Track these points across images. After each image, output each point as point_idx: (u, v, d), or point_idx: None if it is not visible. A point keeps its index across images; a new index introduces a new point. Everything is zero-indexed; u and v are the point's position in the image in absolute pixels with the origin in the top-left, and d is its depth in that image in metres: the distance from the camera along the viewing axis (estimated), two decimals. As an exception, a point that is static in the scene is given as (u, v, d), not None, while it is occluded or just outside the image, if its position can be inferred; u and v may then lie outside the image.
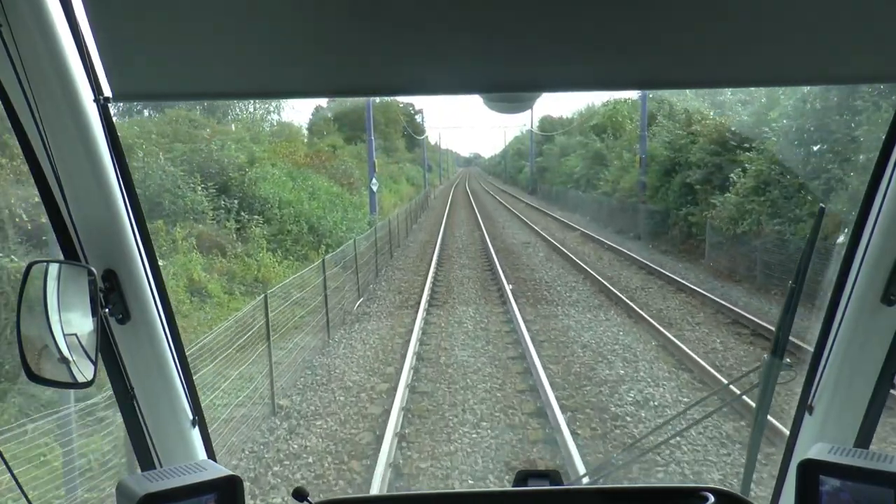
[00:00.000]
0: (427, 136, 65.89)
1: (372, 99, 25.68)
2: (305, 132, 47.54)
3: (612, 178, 31.98)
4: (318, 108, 51.30)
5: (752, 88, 17.62)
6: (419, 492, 2.81)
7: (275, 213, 19.46)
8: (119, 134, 1.38)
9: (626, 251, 20.16)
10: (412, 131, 59.29)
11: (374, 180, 25.75)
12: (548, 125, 62.06)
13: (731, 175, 18.19)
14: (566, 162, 46.60)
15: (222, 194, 18.42)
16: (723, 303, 12.70)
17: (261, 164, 26.20)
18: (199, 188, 17.67)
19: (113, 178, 1.36)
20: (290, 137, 42.67)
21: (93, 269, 1.32)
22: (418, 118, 64.25)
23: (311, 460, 6.90)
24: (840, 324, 1.52)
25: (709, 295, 13.44)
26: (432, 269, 17.84)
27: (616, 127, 33.77)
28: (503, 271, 16.86)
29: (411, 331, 11.73)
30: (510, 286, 15.07)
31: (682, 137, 22.58)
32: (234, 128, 28.12)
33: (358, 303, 14.68)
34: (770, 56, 1.20)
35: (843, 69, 1.25)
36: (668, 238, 23.09)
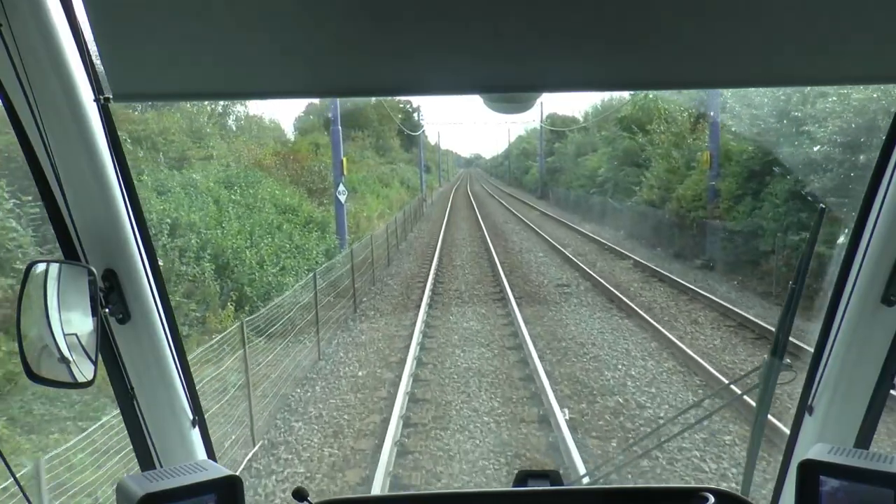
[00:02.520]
0: (424, 132, 57.85)
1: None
2: (284, 128, 40.74)
3: (656, 182, 24.14)
4: (310, 104, 44.52)
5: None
6: (419, 492, 2.62)
7: (162, 244, 11.55)
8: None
9: (725, 303, 12.12)
10: (409, 130, 51.42)
11: (340, 187, 17.78)
12: (559, 123, 54.07)
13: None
14: (584, 162, 38.82)
15: (58, 216, 10.49)
16: None
17: (189, 166, 18.94)
18: (11, 203, 9.79)
19: (113, 178, 1.33)
20: (259, 133, 35.76)
21: (93, 268, 1.29)
22: (416, 116, 56.34)
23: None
24: (840, 324, 1.48)
25: None
26: (414, 349, 9.92)
27: (662, 118, 25.75)
28: (542, 362, 8.91)
29: None
30: (565, 413, 7.17)
31: (806, 123, 14.51)
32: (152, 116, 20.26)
33: (249, 455, 6.73)
34: (771, 56, 1.15)
35: (844, 70, 1.19)
36: (763, 272, 15.15)
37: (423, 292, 14.18)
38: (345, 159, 17.95)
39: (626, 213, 27.95)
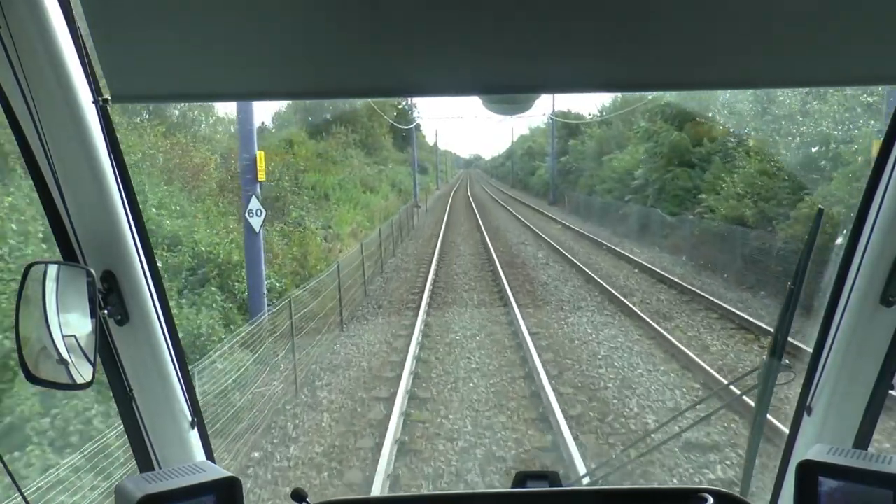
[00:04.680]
0: (420, 126, 49.99)
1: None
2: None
3: (743, 189, 16.43)
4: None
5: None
6: (418, 493, 2.43)
7: None
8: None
9: None
10: (403, 126, 43.63)
11: (253, 202, 9.93)
12: (571, 118, 46.06)
13: None
14: (611, 162, 31.03)
15: None
16: None
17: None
18: None
19: (112, 180, 1.31)
20: (209, 128, 28.22)
21: (91, 270, 1.27)
22: (411, 113, 48.46)
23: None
24: (839, 325, 1.46)
25: None
26: None
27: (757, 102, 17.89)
28: None
29: None
30: None
31: None
32: None
33: None
34: (771, 58, 1.14)
35: (844, 70, 1.18)
36: None
37: (388, 427, 6.35)
38: (261, 154, 10.10)
39: (685, 229, 20.18)
